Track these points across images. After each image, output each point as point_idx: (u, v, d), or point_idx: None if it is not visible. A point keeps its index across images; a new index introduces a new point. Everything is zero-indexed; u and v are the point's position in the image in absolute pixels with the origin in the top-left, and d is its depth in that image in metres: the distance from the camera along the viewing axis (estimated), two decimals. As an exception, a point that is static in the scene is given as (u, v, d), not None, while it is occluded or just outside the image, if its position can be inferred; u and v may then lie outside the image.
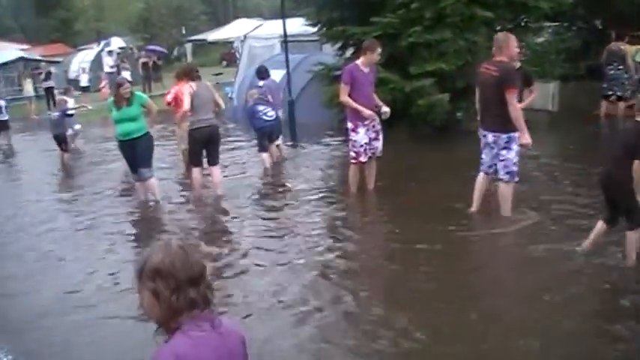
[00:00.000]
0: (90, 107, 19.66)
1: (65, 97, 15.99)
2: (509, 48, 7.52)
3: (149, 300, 2.23)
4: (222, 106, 10.84)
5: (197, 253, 2.33)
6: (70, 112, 15.70)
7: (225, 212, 9.49)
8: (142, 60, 32.74)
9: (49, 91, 28.44)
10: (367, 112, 8.92)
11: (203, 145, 10.06)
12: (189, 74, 10.38)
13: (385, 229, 8.21)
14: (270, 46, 21.42)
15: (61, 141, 14.46)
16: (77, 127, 16.38)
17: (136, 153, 9.93)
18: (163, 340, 2.23)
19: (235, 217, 9.14)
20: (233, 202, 9.88)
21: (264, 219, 8.92)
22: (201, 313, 2.26)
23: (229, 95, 20.02)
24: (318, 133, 14.46)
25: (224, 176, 10.95)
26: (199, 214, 9.62)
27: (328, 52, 16.41)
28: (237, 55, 27.06)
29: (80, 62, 37.36)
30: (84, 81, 30.01)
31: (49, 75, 29.09)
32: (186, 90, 9.91)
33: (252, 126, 12.21)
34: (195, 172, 10.19)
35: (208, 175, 10.45)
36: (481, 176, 8.05)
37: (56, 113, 14.70)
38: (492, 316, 5.48)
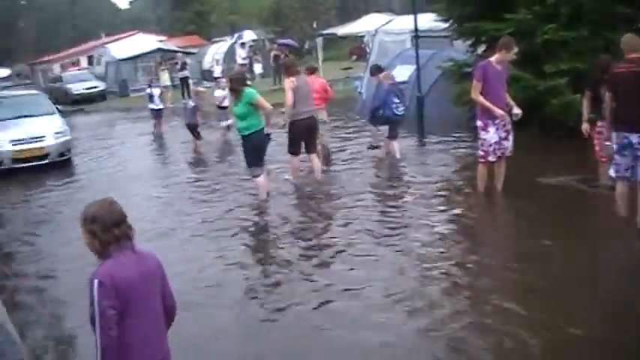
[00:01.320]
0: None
1: (219, 90, 16.69)
2: None
3: (89, 238, 3.29)
4: (332, 94, 12.15)
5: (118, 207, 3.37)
6: (224, 104, 16.37)
7: (347, 203, 9.72)
8: (273, 52, 33.52)
9: (184, 81, 29.71)
10: (498, 111, 8.81)
11: (303, 136, 10.85)
12: (289, 69, 11.06)
13: (510, 231, 8.12)
14: (400, 41, 21.47)
15: (193, 129, 15.24)
16: (229, 122, 16.19)
17: (250, 150, 9.99)
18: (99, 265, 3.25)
19: (356, 207, 9.36)
20: (354, 195, 10.11)
21: (383, 212, 9.06)
22: (125, 244, 3.32)
23: (358, 89, 20.17)
24: (446, 130, 14.36)
25: (350, 169, 11.21)
26: (315, 205, 9.90)
27: (459, 49, 16.25)
28: (367, 50, 27.21)
29: (214, 54, 38.72)
30: (217, 72, 30.99)
31: (184, 65, 30.35)
32: (287, 85, 10.67)
33: (381, 110, 12.37)
34: (295, 160, 11.05)
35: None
36: (621, 187, 7.71)
37: (192, 103, 15.45)
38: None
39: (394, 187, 10.56)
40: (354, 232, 8.26)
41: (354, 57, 41.92)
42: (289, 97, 10.49)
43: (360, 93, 19.76)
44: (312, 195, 10.44)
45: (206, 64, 38.47)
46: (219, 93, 17.11)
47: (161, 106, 19.24)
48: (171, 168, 14.32)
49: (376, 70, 13.10)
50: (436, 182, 10.48)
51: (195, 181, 12.53)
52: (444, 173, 11.11)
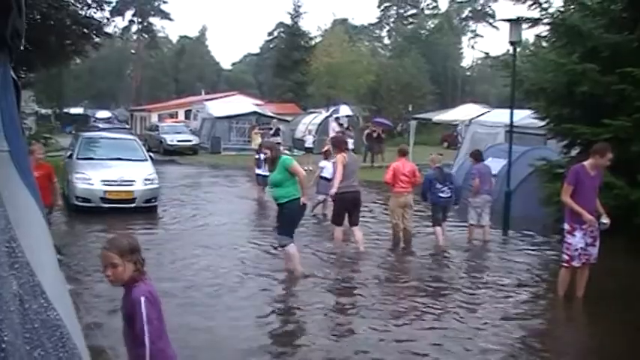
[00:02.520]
0: (310, 168, 20.57)
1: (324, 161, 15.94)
2: None
3: (130, 267, 3.85)
4: (419, 178, 12.67)
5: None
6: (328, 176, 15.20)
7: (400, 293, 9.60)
8: (367, 130, 33.98)
9: (275, 146, 30.32)
10: (588, 216, 8.66)
11: (349, 209, 11.72)
12: (339, 146, 12.14)
13: (588, 341, 7.89)
14: (494, 134, 21.44)
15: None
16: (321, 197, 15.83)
17: (284, 220, 10.07)
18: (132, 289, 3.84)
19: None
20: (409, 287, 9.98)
21: (443, 310, 8.92)
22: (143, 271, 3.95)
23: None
24: (531, 228, 14.20)
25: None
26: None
27: (552, 148, 16.12)
28: (460, 139, 27.29)
29: (308, 124, 39.48)
30: (309, 142, 31.57)
31: (277, 131, 30.97)
32: (339, 159, 11.62)
33: (427, 197, 13.10)
34: (338, 231, 11.86)
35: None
36: None
37: None
38: None
39: (465, 283, 10.38)
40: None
41: (446, 144, 42.03)
42: (339, 170, 11.53)
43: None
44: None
45: (298, 133, 39.19)
46: (323, 163, 16.17)
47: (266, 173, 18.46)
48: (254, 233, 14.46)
49: (479, 154, 14.16)
50: (513, 280, 10.30)
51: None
52: (524, 272, 10.90)
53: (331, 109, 40.85)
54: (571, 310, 9.05)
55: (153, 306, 3.83)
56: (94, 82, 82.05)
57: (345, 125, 34.69)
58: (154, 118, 54.85)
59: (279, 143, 29.75)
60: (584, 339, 8.10)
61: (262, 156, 16.22)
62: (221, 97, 55.87)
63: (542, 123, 15.24)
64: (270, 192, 10.14)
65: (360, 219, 12.37)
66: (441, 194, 12.81)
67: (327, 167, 15.45)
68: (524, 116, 17.50)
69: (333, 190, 11.71)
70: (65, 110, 62.38)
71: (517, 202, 14.34)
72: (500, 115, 21.05)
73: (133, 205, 15.48)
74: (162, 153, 34.54)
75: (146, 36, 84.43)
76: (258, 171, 18.44)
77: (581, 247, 8.83)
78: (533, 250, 12.83)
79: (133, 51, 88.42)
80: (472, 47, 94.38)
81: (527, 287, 9.97)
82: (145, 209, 15.64)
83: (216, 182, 24.05)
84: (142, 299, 3.79)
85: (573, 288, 9.14)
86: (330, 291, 9.41)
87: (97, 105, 73.40)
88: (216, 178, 25.88)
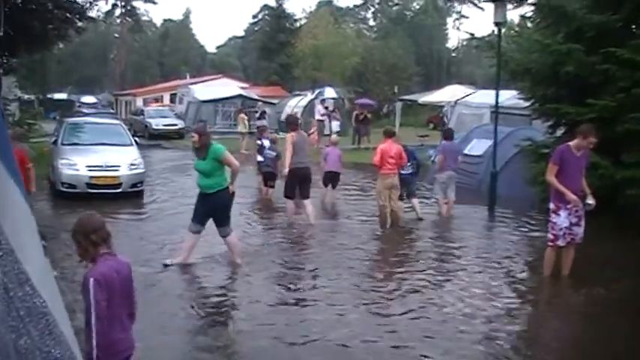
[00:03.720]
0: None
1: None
2: None
3: (88, 248, 4.01)
4: (405, 160, 12.92)
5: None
6: None
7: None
8: (355, 112, 33.93)
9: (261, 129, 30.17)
10: (572, 196, 8.71)
11: (299, 183, 12.53)
12: (291, 125, 12.84)
13: (574, 322, 7.96)
14: (479, 115, 21.54)
15: (271, 178, 15.33)
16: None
17: (207, 210, 9.63)
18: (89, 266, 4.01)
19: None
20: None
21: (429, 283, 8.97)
22: (106, 249, 4.06)
23: (432, 158, 20.20)
24: (517, 208, 14.31)
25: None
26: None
27: (538, 129, 16.20)
28: (445, 120, 27.32)
29: (294, 106, 39.35)
30: (294, 125, 31.70)
31: (263, 114, 30.84)
32: (288, 139, 12.37)
33: None
34: (290, 203, 12.85)
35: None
36: None
37: (273, 152, 15.46)
38: None
39: (449, 265, 10.43)
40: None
41: (432, 125, 42.05)
42: (289, 149, 12.28)
43: (432, 162, 19.75)
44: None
45: (284, 116, 39.09)
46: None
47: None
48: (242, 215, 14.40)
49: (451, 134, 14.60)
50: (500, 260, 10.35)
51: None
52: (510, 252, 10.97)
53: (317, 92, 40.74)
54: (556, 289, 9.10)
55: (101, 288, 3.88)
56: (78, 67, 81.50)
57: (331, 108, 34.62)
58: (139, 102, 54.57)
59: (264, 126, 29.81)
60: (569, 320, 8.09)
61: (265, 142, 16.19)
62: (206, 81, 55.67)
63: (528, 103, 15.29)
64: (197, 181, 9.57)
65: (353, 202, 12.70)
66: (403, 171, 13.18)
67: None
68: (509, 97, 17.57)
69: (286, 170, 12.54)
70: (49, 96, 61.87)
71: (503, 183, 14.44)
72: (486, 96, 21.16)
73: (119, 190, 15.39)
74: (148, 137, 34.35)
75: (130, 20, 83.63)
76: (259, 158, 16.55)
77: (566, 227, 8.89)
78: (519, 229, 12.89)
79: (116, 35, 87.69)
80: (457, 28, 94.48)
81: (513, 267, 10.02)
82: (131, 194, 15.55)
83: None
84: (91, 280, 3.88)
85: (559, 268, 9.21)
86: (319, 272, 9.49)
87: (82, 90, 72.81)
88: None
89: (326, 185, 15.19)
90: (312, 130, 28.98)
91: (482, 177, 16.21)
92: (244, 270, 9.43)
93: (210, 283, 8.98)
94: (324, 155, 15.52)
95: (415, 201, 13.76)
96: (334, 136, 17.85)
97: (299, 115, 34.14)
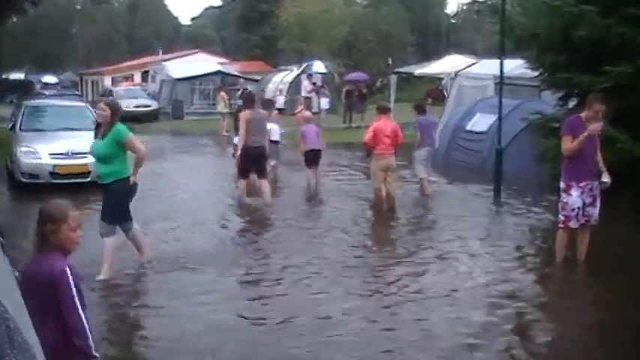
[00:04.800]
0: (282, 131, 20.28)
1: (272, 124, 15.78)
2: None
3: (50, 235, 4.16)
4: (401, 138, 13.00)
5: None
6: (274, 138, 15.68)
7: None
8: (346, 88, 33.87)
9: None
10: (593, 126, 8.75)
11: (253, 162, 13.24)
12: (247, 103, 13.86)
13: (588, 310, 7.99)
14: (482, 87, 21.44)
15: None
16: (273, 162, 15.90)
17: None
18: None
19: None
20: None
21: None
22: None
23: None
24: (525, 188, 14.35)
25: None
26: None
27: (547, 100, 16.19)
28: (445, 93, 27.27)
29: (278, 83, 39.24)
30: (280, 103, 31.31)
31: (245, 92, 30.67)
32: (242, 117, 13.18)
33: None
34: (243, 183, 13.58)
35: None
36: None
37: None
38: None
39: (452, 248, 10.41)
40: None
41: (430, 100, 42.02)
42: (242, 127, 13.09)
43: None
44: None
45: (269, 94, 38.89)
46: (269, 126, 15.48)
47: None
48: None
49: (422, 108, 15.37)
50: (506, 245, 10.38)
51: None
52: (517, 236, 10.98)
53: (304, 66, 40.61)
54: (570, 275, 9.13)
55: (71, 278, 4.09)
56: (36, 44, 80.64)
57: (319, 83, 34.57)
58: (107, 81, 54.37)
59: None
60: (583, 308, 8.11)
61: (270, 125, 15.71)
62: (181, 57, 55.43)
63: (536, 73, 15.22)
64: (96, 166, 9.11)
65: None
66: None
67: (274, 129, 15.73)
68: (515, 66, 17.50)
69: (238, 153, 13.44)
70: (4, 76, 61.34)
71: (509, 161, 14.40)
72: (489, 66, 21.05)
73: (87, 179, 15.12)
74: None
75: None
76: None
77: (579, 207, 8.88)
78: (527, 211, 12.91)
79: (78, 6, 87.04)
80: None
81: (522, 252, 10.04)
82: (100, 185, 15.38)
83: (180, 151, 23.92)
84: (65, 269, 4.09)
85: (574, 252, 9.22)
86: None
87: (41, 69, 72.38)
88: (179, 146, 25.83)
89: (309, 166, 15.22)
90: (299, 109, 28.91)
91: (486, 155, 16.21)
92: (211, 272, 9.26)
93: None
94: (301, 135, 15.54)
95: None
96: (307, 113, 18.33)
97: (285, 93, 34.28)
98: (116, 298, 8.15)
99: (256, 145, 13.19)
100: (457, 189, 14.98)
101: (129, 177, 8.84)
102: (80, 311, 4.05)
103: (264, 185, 13.37)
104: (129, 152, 9.03)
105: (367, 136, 12.83)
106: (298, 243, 10.74)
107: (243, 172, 13.55)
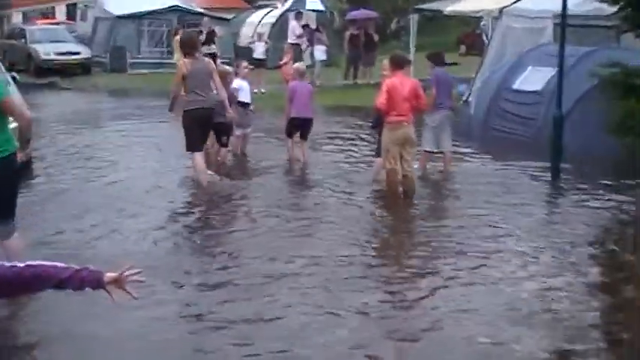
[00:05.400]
0: (263, 91, 20.09)
1: (237, 78, 16.05)
2: None
3: None
4: (425, 101, 13.07)
5: None
6: (246, 100, 15.95)
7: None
8: (350, 31, 33.58)
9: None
10: None
11: (201, 129, 13.37)
12: (185, 47, 13.63)
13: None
14: (537, 30, 21.18)
15: (222, 131, 14.98)
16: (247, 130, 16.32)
17: None
18: None
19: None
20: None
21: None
22: None
23: (463, 98, 20.05)
24: (593, 168, 14.37)
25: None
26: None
27: (629, 47, 16.06)
28: (485, 39, 27.11)
29: (257, 24, 38.97)
30: (259, 52, 31.00)
31: (212, 37, 30.41)
32: (179, 66, 13.32)
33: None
34: (198, 157, 13.38)
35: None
36: None
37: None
38: None
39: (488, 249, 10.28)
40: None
41: (464, 48, 41.87)
42: (177, 82, 13.34)
43: (465, 102, 19.62)
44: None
45: (243, 39, 38.70)
46: (237, 83, 16.08)
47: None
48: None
49: (439, 57, 15.39)
50: (564, 245, 10.29)
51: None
52: (581, 237, 10.82)
53: (290, 1, 40.39)
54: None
55: None
56: None
57: (313, 25, 34.28)
58: (17, 18, 54.01)
59: (214, 54, 29.55)
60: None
61: (241, 85, 16.23)
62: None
63: (614, 8, 15.05)
64: None
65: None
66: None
67: (243, 88, 15.89)
68: (583, 0, 17.38)
69: (176, 109, 13.65)
70: None
71: (572, 131, 14.34)
72: (547, 1, 20.85)
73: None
74: (35, 73, 34.14)
75: None
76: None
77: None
78: (595, 200, 12.82)
79: None
80: None
81: (584, 255, 10.00)
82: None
83: (121, 117, 23.61)
84: None
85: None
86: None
87: None
88: (119, 110, 25.54)
89: (290, 135, 15.30)
90: (284, 60, 28.77)
91: (541, 123, 16.06)
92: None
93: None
94: (288, 93, 15.53)
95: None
96: (299, 65, 17.83)
97: (265, 38, 34.03)
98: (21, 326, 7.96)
99: (201, 107, 13.19)
100: (500, 168, 14.88)
101: (14, 153, 8.22)
102: None
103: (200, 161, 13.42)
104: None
105: (380, 98, 12.58)
106: (274, 246, 10.50)
107: (192, 143, 13.41)
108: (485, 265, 9.59)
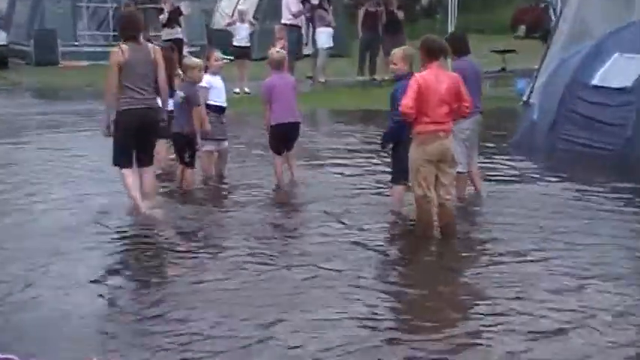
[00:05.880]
0: (247, 90, 19.91)
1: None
2: None
3: None
4: (467, 103, 12.56)
5: None
6: (213, 101, 15.94)
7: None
8: (365, 7, 33.37)
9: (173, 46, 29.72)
10: None
11: (134, 138, 13.39)
12: (125, 29, 13.68)
13: None
14: (625, 2, 21.11)
15: (182, 146, 14.80)
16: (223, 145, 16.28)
17: None
18: None
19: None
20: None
21: None
22: None
23: (524, 98, 19.89)
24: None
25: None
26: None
27: None
28: (552, 17, 27.05)
29: (236, 1, 38.96)
30: (241, 37, 30.92)
31: (176, 16, 30.33)
32: (112, 57, 13.37)
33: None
34: (127, 173, 13.46)
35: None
36: None
37: (181, 93, 15.01)
38: None
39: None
40: None
41: (523, 29, 41.94)
42: (112, 76, 13.18)
43: (525, 104, 19.45)
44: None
45: (219, 19, 38.84)
46: (207, 80, 16.14)
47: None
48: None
49: (461, 42, 14.70)
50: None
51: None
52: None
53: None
54: None
55: None
56: None
57: (315, 1, 34.20)
58: None
59: (180, 40, 29.56)
60: None
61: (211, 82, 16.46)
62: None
63: None
64: None
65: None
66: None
67: (215, 87, 16.06)
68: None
69: (104, 124, 13.54)
70: None
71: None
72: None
73: None
74: None
75: None
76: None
77: None
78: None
79: None
80: None
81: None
82: None
83: (48, 127, 23.68)
84: None
85: None
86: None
87: None
88: (47, 117, 25.59)
89: (278, 151, 15.36)
90: (277, 47, 28.68)
91: (631, 132, 15.91)
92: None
93: None
94: (264, 93, 15.61)
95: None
96: (274, 50, 17.41)
97: (250, 17, 34.03)
98: None
99: (139, 107, 13.27)
100: (575, 191, 14.72)
101: None
102: None
103: (149, 180, 13.69)
104: None
105: (405, 99, 12.25)
106: (254, 308, 10.20)
107: (120, 156, 13.52)
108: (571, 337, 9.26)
